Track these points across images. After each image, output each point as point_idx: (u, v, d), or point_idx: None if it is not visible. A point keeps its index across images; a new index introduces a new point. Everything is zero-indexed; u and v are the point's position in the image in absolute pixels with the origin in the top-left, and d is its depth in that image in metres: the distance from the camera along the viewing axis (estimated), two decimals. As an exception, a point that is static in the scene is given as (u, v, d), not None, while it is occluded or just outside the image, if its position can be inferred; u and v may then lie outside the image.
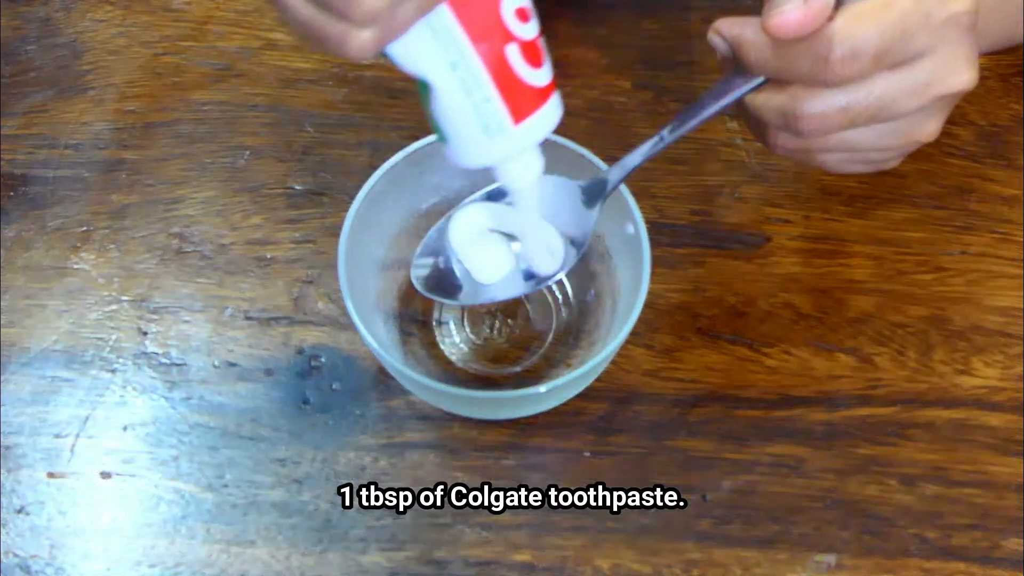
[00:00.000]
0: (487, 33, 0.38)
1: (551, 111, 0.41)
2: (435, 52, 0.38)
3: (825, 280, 0.59)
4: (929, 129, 0.46)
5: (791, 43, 0.42)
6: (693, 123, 0.46)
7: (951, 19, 0.42)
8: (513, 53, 0.38)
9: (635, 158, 0.47)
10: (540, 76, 0.40)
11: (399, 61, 0.38)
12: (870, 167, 0.49)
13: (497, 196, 0.50)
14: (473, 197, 0.50)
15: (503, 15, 0.38)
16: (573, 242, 0.49)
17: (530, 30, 0.39)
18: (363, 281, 0.52)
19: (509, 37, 0.38)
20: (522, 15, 0.38)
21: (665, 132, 0.47)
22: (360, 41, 0.37)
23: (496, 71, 0.38)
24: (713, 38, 0.45)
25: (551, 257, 0.49)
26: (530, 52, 0.39)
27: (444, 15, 0.37)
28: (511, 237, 0.50)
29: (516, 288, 0.49)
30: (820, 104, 0.43)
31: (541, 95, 0.40)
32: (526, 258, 0.49)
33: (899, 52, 0.42)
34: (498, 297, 0.49)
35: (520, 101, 0.39)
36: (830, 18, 0.41)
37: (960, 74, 0.44)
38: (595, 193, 0.48)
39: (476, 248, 0.49)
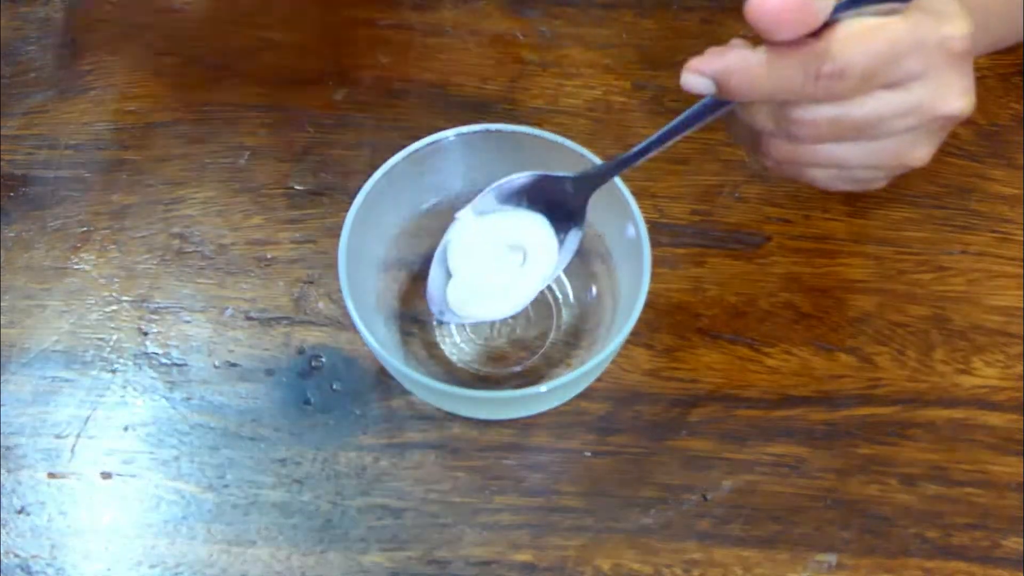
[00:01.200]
0: None
1: None
2: None
3: (825, 280, 0.59)
4: (919, 154, 0.46)
5: (781, 63, 0.42)
6: (682, 134, 0.46)
7: (942, 43, 0.43)
8: None
9: (632, 157, 0.47)
10: None
11: None
12: (857, 186, 0.49)
13: (500, 200, 0.50)
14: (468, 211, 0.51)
15: None
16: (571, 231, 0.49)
17: None
18: (364, 281, 0.52)
19: None
20: None
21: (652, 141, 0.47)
22: None
23: None
24: (692, 79, 0.44)
25: (553, 258, 0.50)
26: None
27: None
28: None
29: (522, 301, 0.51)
30: (813, 111, 0.44)
31: None
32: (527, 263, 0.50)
33: (890, 73, 0.43)
34: (507, 314, 0.51)
35: None
36: (821, 37, 0.41)
37: (952, 101, 0.44)
38: (586, 187, 0.48)
39: (483, 280, 0.51)
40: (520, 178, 0.50)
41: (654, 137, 0.46)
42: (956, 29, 0.43)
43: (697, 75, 0.43)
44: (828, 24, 0.41)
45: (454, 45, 0.65)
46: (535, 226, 0.50)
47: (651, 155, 0.47)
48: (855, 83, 0.42)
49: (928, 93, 0.43)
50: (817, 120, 0.44)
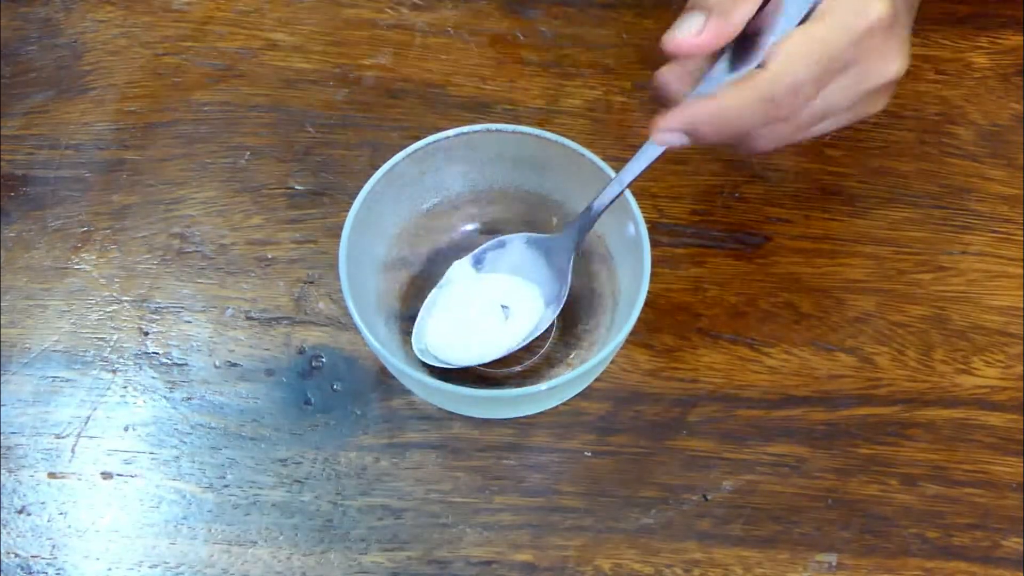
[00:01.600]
0: None
1: None
2: None
3: (825, 280, 0.59)
4: (876, 110, 0.49)
5: (739, 101, 0.45)
6: (643, 168, 0.48)
7: (869, 29, 0.45)
8: None
9: (603, 200, 0.49)
10: None
11: None
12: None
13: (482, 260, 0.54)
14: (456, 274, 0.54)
15: None
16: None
17: None
18: (364, 281, 0.52)
19: None
20: None
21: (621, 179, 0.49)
22: None
23: None
24: (667, 136, 0.46)
25: (532, 323, 0.53)
26: None
27: None
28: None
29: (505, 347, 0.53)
30: (765, 135, 0.47)
31: None
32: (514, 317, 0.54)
33: (833, 70, 0.45)
34: (491, 358, 0.53)
35: None
36: (765, 66, 0.44)
37: (889, 66, 0.47)
38: (569, 242, 0.51)
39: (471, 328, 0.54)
40: (511, 239, 0.53)
41: (618, 186, 0.49)
42: (877, 10, 0.45)
43: (669, 133, 0.46)
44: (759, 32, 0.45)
45: (454, 45, 0.65)
46: (527, 293, 0.53)
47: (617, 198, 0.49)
48: (811, 92, 0.45)
49: (866, 71, 0.47)
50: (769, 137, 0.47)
